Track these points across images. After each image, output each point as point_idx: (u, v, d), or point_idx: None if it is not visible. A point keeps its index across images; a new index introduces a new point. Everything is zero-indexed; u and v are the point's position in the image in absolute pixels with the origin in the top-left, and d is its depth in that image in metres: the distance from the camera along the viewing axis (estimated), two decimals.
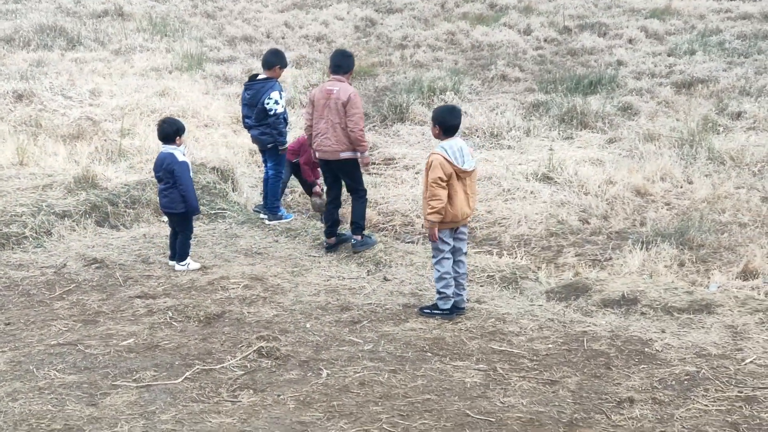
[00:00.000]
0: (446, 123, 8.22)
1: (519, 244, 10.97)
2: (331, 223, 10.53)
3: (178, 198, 9.43)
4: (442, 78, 21.10)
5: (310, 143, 10.36)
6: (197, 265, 9.64)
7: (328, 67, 10.31)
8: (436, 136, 8.33)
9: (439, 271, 8.30)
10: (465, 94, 20.36)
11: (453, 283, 8.33)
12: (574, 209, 12.13)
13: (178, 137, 9.46)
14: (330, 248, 10.49)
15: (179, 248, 9.62)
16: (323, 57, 24.70)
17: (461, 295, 8.38)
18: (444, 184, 8.02)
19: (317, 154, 10.27)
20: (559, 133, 16.73)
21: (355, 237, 10.30)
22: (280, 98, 11.03)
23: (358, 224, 10.29)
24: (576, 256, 10.43)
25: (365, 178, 13.96)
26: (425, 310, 8.39)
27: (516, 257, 10.14)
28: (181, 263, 9.61)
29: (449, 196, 8.09)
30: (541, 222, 11.68)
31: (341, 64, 10.12)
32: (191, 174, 9.53)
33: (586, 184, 13.03)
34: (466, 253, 8.51)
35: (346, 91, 9.94)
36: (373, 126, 18.09)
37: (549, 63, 24.79)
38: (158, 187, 9.64)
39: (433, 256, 8.40)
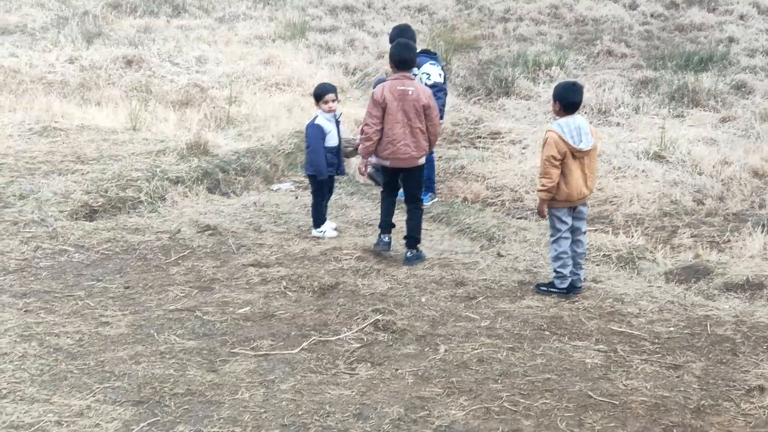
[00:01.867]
0: (566, 99, 8.05)
1: (631, 223, 10.74)
2: (391, 217, 9.41)
3: (308, 159, 9.71)
4: (546, 52, 20.81)
5: (373, 151, 8.95)
6: (334, 233, 9.77)
7: (390, 61, 8.98)
8: (556, 113, 8.18)
9: (556, 250, 8.16)
10: (570, 70, 20.06)
11: (570, 262, 8.17)
12: (688, 189, 11.84)
13: (319, 101, 9.71)
14: (385, 247, 9.30)
15: (312, 213, 9.88)
16: (425, 28, 24.53)
17: (578, 274, 8.23)
18: (557, 163, 7.88)
19: (388, 163, 8.97)
20: (669, 111, 16.37)
21: (411, 251, 9.17)
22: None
23: (415, 238, 9.17)
24: (692, 237, 10.19)
25: (473, 151, 13.87)
26: (542, 288, 8.26)
27: (632, 237, 9.93)
28: (316, 230, 9.77)
29: (564, 175, 7.94)
30: (654, 201, 11.43)
31: (409, 59, 8.89)
32: (324, 138, 9.62)
33: (700, 164, 12.71)
34: (585, 233, 8.35)
35: (424, 92, 8.84)
36: (478, 99, 17.93)
37: (656, 39, 24.27)
38: None
39: (551, 235, 8.26)
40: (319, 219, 9.76)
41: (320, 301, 7.95)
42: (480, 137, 15.29)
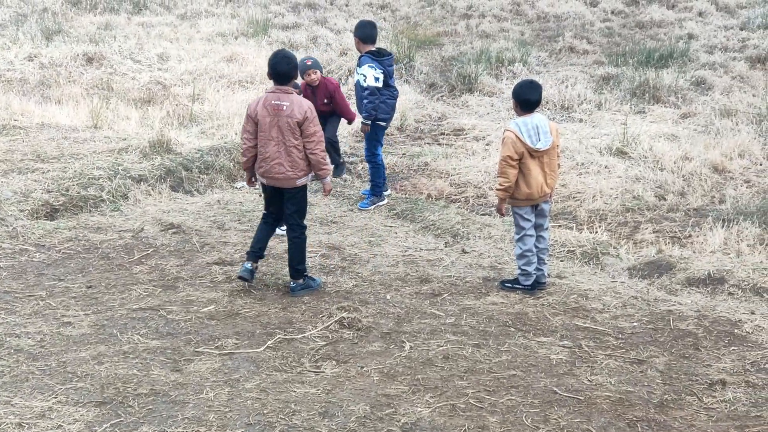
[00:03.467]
0: (522, 97, 8.05)
1: (595, 219, 10.78)
2: (263, 245, 8.35)
3: None
4: (509, 49, 20.83)
5: (249, 168, 8.19)
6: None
7: (268, 74, 8.05)
8: (516, 112, 8.16)
9: (521, 248, 8.15)
10: (533, 66, 20.09)
11: (535, 260, 8.17)
12: (650, 185, 11.90)
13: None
14: (245, 274, 8.17)
15: None
16: (388, 25, 24.52)
17: (542, 270, 8.25)
18: (514, 163, 7.86)
19: (265, 181, 8.06)
20: (631, 107, 16.44)
21: (295, 281, 8.20)
22: None
23: (296, 269, 8.17)
24: (654, 232, 10.23)
25: (436, 148, 13.87)
26: (506, 284, 8.27)
27: (595, 232, 9.97)
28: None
29: (523, 174, 7.93)
30: (617, 197, 11.47)
31: (285, 71, 7.86)
32: None
33: (661, 160, 12.77)
34: (547, 229, 8.37)
35: (300, 108, 7.76)
36: (441, 96, 17.92)
37: (617, 35, 24.38)
38: None
39: (516, 233, 8.25)
40: None
41: (285, 299, 7.92)
42: (443, 134, 15.27)
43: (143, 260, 8.78)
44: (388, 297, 8.00)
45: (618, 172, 12.31)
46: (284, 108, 7.74)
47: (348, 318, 7.40)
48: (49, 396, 5.97)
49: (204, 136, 13.50)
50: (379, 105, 10.50)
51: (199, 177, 11.52)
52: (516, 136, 7.85)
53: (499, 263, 8.95)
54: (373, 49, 10.53)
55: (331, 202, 11.04)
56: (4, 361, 6.47)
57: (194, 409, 5.87)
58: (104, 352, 6.72)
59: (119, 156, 11.54)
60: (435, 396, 6.16)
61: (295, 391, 6.18)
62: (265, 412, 5.85)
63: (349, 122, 11.40)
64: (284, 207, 8.15)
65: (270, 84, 8.07)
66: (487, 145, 14.13)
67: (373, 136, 10.73)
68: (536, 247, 8.20)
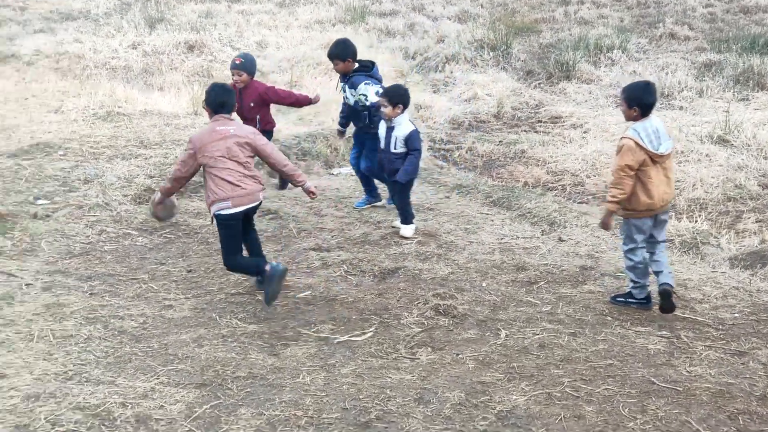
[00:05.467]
0: (642, 101, 7.22)
1: (695, 208, 10.60)
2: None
3: (410, 166, 9.23)
4: (608, 36, 20.56)
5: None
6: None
7: (208, 106, 7.67)
8: (632, 118, 7.28)
9: (631, 260, 7.42)
10: (632, 53, 19.80)
11: (647, 270, 7.45)
12: (753, 173, 11.65)
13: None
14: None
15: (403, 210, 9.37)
16: (485, 12, 24.42)
17: (668, 282, 7.38)
18: (632, 173, 7.12)
19: (232, 208, 7.43)
20: (734, 95, 16.11)
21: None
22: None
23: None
24: (757, 222, 10.02)
25: (533, 136, 13.77)
26: (618, 299, 7.61)
27: (695, 222, 9.80)
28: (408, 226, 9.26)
29: (643, 183, 7.17)
30: (718, 186, 11.26)
31: (228, 101, 7.59)
32: None
33: (765, 148, 12.50)
34: (664, 241, 7.59)
35: (245, 130, 7.66)
36: (539, 83, 17.79)
37: (720, 21, 23.90)
38: None
39: (624, 243, 7.50)
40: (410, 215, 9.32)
41: (381, 285, 7.96)
42: (540, 121, 15.17)
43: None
44: (484, 284, 7.98)
45: (719, 161, 12.08)
46: (231, 131, 7.44)
47: (444, 305, 7.40)
48: (151, 377, 6.10)
49: (301, 123, 13.62)
50: (378, 117, 9.43)
51: (296, 163, 11.62)
52: (636, 143, 7.09)
53: (597, 252, 8.85)
54: (356, 65, 9.67)
55: (428, 189, 11.04)
56: (108, 342, 6.63)
57: (291, 392, 5.94)
58: (204, 335, 6.84)
59: None
60: (530, 384, 6.13)
61: (390, 377, 6.21)
62: (360, 397, 5.90)
63: (309, 104, 10.18)
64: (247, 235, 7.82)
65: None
66: (585, 132, 13.99)
67: (375, 149, 9.61)
68: (655, 260, 7.48)
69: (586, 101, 16.37)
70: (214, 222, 7.55)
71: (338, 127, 10.40)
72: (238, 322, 7.12)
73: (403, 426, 5.50)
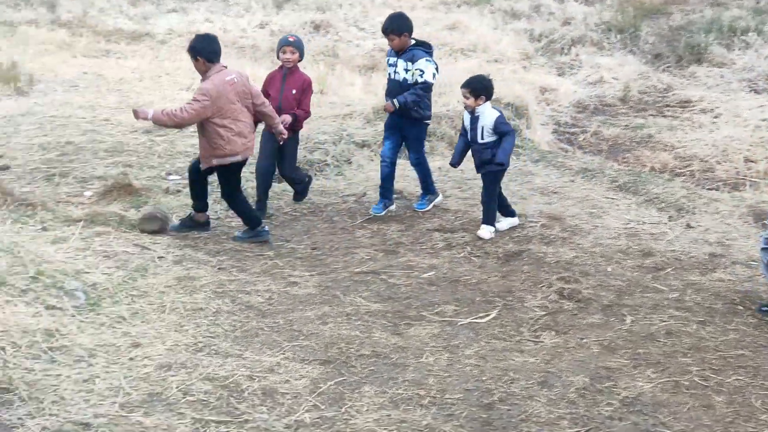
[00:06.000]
0: None
1: None
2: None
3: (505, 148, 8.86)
4: (743, 17, 19.98)
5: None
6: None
7: (201, 57, 8.10)
8: None
9: None
10: None
11: None
12: None
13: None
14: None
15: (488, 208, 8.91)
16: None
17: None
18: None
19: (240, 157, 8.29)
20: None
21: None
22: None
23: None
24: None
25: (660, 120, 13.48)
26: (764, 308, 7.07)
27: None
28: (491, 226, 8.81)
29: None
30: None
31: (218, 49, 8.20)
32: None
33: None
34: None
35: (243, 76, 8.30)
36: (668, 67, 17.43)
37: None
38: None
39: (765, 243, 7.10)
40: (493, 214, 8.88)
41: (505, 267, 7.94)
42: (668, 106, 14.88)
43: (365, 225, 8.99)
44: (609, 269, 7.88)
45: None
46: (236, 80, 8.11)
47: (568, 289, 7.35)
48: (277, 352, 6.21)
49: None
50: (426, 103, 9.20)
51: None
52: None
53: (727, 239, 8.64)
54: (414, 41, 9.13)
55: (552, 173, 10.95)
56: (236, 316, 6.78)
57: (414, 372, 5.98)
58: (328, 313, 6.93)
59: (344, 121, 11.83)
60: (657, 372, 6.05)
61: (513, 360, 6.20)
62: (483, 378, 5.90)
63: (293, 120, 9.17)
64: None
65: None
66: (716, 118, 13.69)
67: (422, 137, 9.50)
68: None
69: (717, 85, 15.97)
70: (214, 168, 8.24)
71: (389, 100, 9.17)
72: (362, 301, 7.19)
73: (526, 409, 5.49)
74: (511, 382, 5.84)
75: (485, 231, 8.65)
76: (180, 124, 8.30)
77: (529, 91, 14.68)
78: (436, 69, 9.11)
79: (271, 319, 6.79)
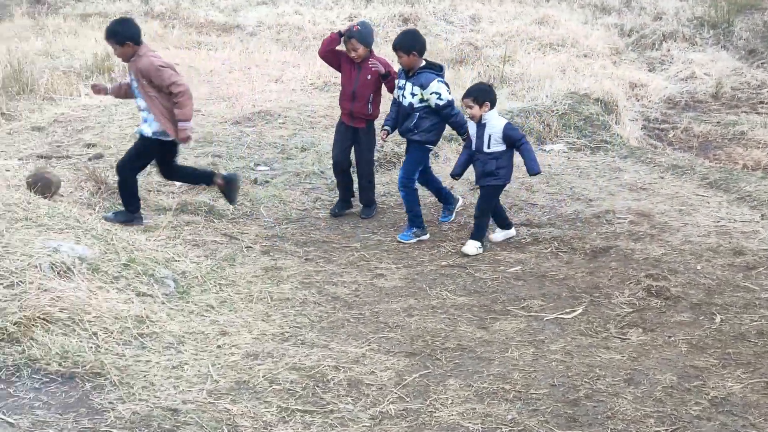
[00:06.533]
0: None
1: None
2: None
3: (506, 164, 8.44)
4: None
5: None
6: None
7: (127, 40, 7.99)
8: None
9: None
10: None
11: None
12: None
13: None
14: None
15: (480, 227, 8.41)
16: None
17: None
18: None
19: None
20: None
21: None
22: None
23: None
24: None
25: (754, 117, 13.24)
26: None
27: None
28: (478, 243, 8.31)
29: None
30: None
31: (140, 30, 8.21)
32: None
33: None
34: None
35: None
36: (762, 63, 17.09)
37: None
38: None
39: None
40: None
41: (592, 263, 7.87)
42: (762, 103, 14.60)
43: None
44: (699, 267, 7.76)
45: None
46: None
47: (656, 286, 7.25)
48: (363, 343, 6.24)
49: (514, 98, 13.55)
50: (434, 127, 8.52)
51: None
52: None
53: None
54: (425, 62, 8.51)
55: (641, 169, 10.81)
56: (322, 307, 6.83)
57: (499, 366, 5.96)
58: (414, 305, 6.94)
59: None
60: (747, 372, 5.93)
61: (600, 356, 6.14)
62: (569, 374, 5.85)
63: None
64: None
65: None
66: None
67: (419, 160, 8.69)
68: None
69: None
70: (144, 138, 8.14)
71: (385, 127, 8.75)
72: (448, 294, 7.19)
73: (612, 406, 5.43)
74: (597, 379, 5.78)
75: (471, 247, 8.18)
76: (190, 102, 8.08)
77: (619, 86, 14.50)
78: (448, 88, 8.42)
79: (357, 310, 6.83)
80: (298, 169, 9.99)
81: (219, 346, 6.00)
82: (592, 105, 12.78)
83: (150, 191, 9.02)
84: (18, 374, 5.25)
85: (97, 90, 8.48)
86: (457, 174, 8.43)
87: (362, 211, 9.11)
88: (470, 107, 8.11)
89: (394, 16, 18.84)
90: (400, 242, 8.41)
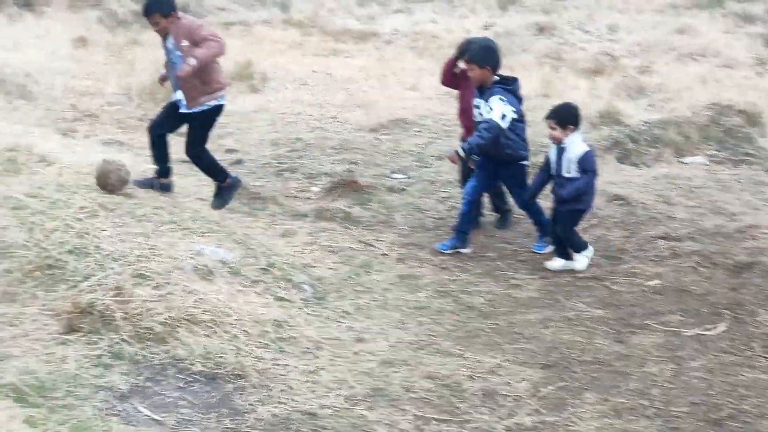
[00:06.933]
0: None
1: None
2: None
3: (584, 190, 7.99)
4: None
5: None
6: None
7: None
8: None
9: None
10: None
11: None
12: None
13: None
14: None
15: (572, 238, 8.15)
16: None
17: None
18: None
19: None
20: None
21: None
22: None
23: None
24: None
25: None
26: None
27: None
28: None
29: None
30: None
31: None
32: None
33: None
34: None
35: None
36: None
37: None
38: None
39: None
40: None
41: (734, 279, 7.65)
42: None
43: (588, 230, 8.83)
44: None
45: None
46: None
47: None
48: (498, 353, 6.20)
49: (652, 109, 13.34)
50: (516, 141, 8.21)
51: (645, 150, 11.38)
52: None
53: None
54: (497, 78, 8.12)
55: None
56: (457, 316, 6.83)
57: (637, 381, 5.84)
58: (550, 317, 6.87)
59: None
60: None
61: (744, 375, 5.96)
62: (710, 393, 5.70)
63: None
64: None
65: None
66: None
67: (519, 177, 8.40)
68: None
69: None
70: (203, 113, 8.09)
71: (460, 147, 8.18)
72: (584, 306, 7.10)
73: (759, 428, 5.27)
74: (742, 399, 5.62)
75: (581, 261, 7.89)
76: (217, 54, 8.05)
77: (764, 98, 14.09)
78: (515, 111, 8.07)
79: (493, 320, 6.80)
80: (433, 178, 10.02)
81: (355, 353, 6.04)
82: (735, 117, 12.40)
83: (287, 197, 9.16)
84: (164, 373, 5.40)
85: (163, 79, 8.53)
86: (530, 197, 8.25)
87: (497, 221, 9.05)
88: (553, 129, 7.82)
89: (530, 25, 18.76)
90: (534, 253, 8.30)
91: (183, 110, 8.13)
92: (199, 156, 8.34)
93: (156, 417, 4.96)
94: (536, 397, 5.60)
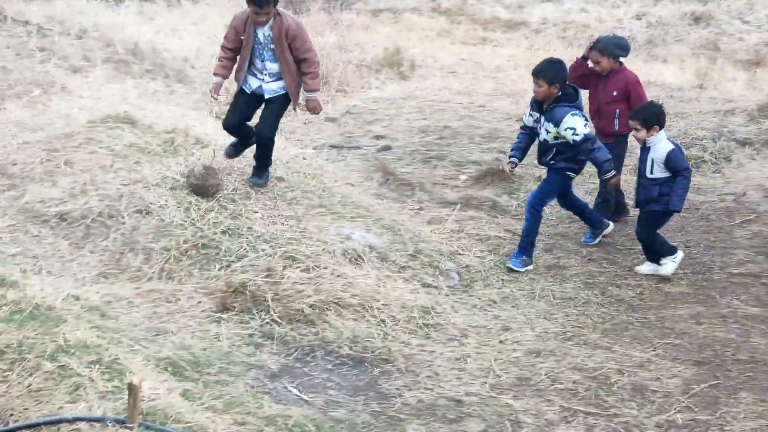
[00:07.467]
0: None
1: None
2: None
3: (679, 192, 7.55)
4: None
5: None
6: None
7: None
8: None
9: None
10: None
11: None
12: None
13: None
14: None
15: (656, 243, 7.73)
16: None
17: None
18: None
19: None
20: None
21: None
22: None
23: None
24: None
25: None
26: None
27: None
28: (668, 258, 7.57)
29: None
30: None
31: None
32: None
33: None
34: None
35: None
36: None
37: None
38: None
39: None
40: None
41: None
42: None
43: (744, 225, 8.58)
44: None
45: None
46: None
47: None
48: (648, 348, 6.07)
49: None
50: (577, 157, 7.69)
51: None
52: None
53: None
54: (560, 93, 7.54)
55: None
56: (605, 308, 6.72)
57: None
58: (702, 313, 6.69)
59: (724, 118, 11.32)
60: None
61: None
62: None
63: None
64: None
65: None
66: None
67: (557, 184, 7.86)
68: None
69: None
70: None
71: (512, 159, 7.94)
72: (740, 303, 6.88)
73: None
74: None
75: (669, 266, 7.42)
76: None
77: None
78: (586, 120, 7.60)
79: (642, 314, 6.66)
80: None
81: (501, 342, 6.01)
82: None
83: (435, 184, 9.15)
84: (312, 355, 5.49)
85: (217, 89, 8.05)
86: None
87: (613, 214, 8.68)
88: (637, 130, 7.46)
89: (685, 14, 18.25)
90: (511, 269, 7.43)
91: (267, 95, 7.79)
92: (273, 140, 7.97)
93: (305, 397, 5.03)
94: (688, 394, 5.47)
